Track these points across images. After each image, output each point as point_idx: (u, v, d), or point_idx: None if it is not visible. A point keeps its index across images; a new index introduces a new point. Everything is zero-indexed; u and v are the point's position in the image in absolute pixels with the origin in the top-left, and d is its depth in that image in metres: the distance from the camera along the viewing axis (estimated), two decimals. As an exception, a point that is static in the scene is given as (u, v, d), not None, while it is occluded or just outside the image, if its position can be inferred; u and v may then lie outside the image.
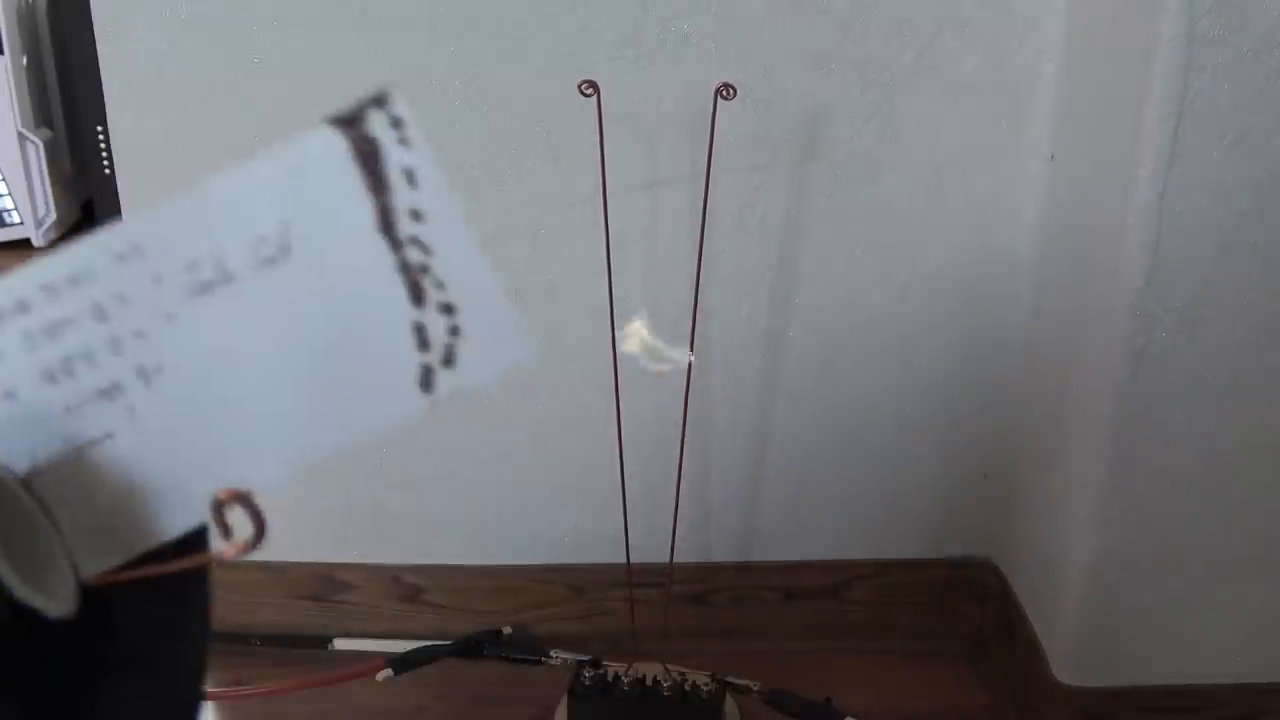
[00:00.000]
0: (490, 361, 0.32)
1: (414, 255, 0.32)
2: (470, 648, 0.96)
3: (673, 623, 0.91)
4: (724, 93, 0.72)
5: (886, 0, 0.81)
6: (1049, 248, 0.86)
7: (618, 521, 0.87)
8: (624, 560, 0.87)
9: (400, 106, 0.32)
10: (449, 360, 0.32)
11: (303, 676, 0.92)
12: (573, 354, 0.91)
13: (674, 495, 0.86)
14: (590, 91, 0.71)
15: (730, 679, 0.89)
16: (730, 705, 0.88)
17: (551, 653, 0.95)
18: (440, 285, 0.32)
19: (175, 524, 0.32)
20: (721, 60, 0.82)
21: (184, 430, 0.32)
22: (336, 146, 0.32)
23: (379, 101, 0.32)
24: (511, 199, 0.86)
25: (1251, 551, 0.82)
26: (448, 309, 0.32)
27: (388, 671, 0.92)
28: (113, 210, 0.86)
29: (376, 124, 0.32)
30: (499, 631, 0.99)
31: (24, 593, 0.28)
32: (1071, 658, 0.85)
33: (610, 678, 0.86)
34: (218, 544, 0.33)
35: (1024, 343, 0.91)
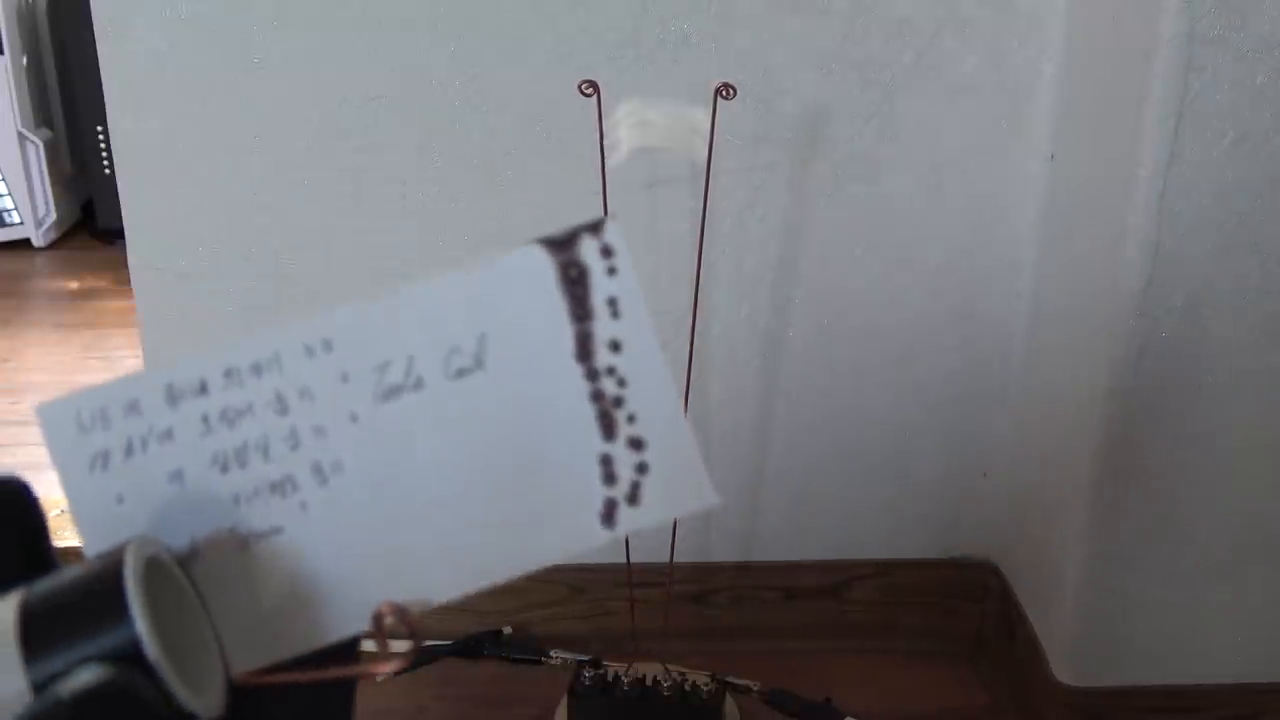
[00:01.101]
0: (672, 504, 0.32)
1: (609, 386, 0.31)
2: (470, 648, 0.96)
3: (673, 623, 0.91)
4: (724, 93, 0.72)
5: (886, 0, 0.81)
6: (1049, 248, 0.86)
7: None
8: (624, 560, 0.87)
9: (613, 235, 0.31)
10: (634, 498, 0.31)
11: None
12: (573, 354, 0.91)
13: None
14: (590, 91, 0.71)
15: (730, 679, 0.89)
16: (730, 705, 0.88)
17: (551, 653, 0.95)
18: (632, 419, 0.31)
19: (335, 629, 0.31)
20: (721, 60, 0.82)
21: (356, 534, 0.31)
22: (544, 267, 0.31)
23: (593, 228, 0.31)
24: (511, 199, 0.86)
25: (1251, 551, 0.82)
26: (637, 444, 0.32)
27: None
28: (113, 210, 0.86)
29: (587, 250, 0.32)
30: (499, 631, 0.99)
31: (183, 694, 0.27)
32: (1071, 658, 0.85)
33: (610, 678, 0.86)
34: (367, 655, 0.31)
35: (1024, 342, 0.91)
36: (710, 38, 0.82)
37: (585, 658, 0.93)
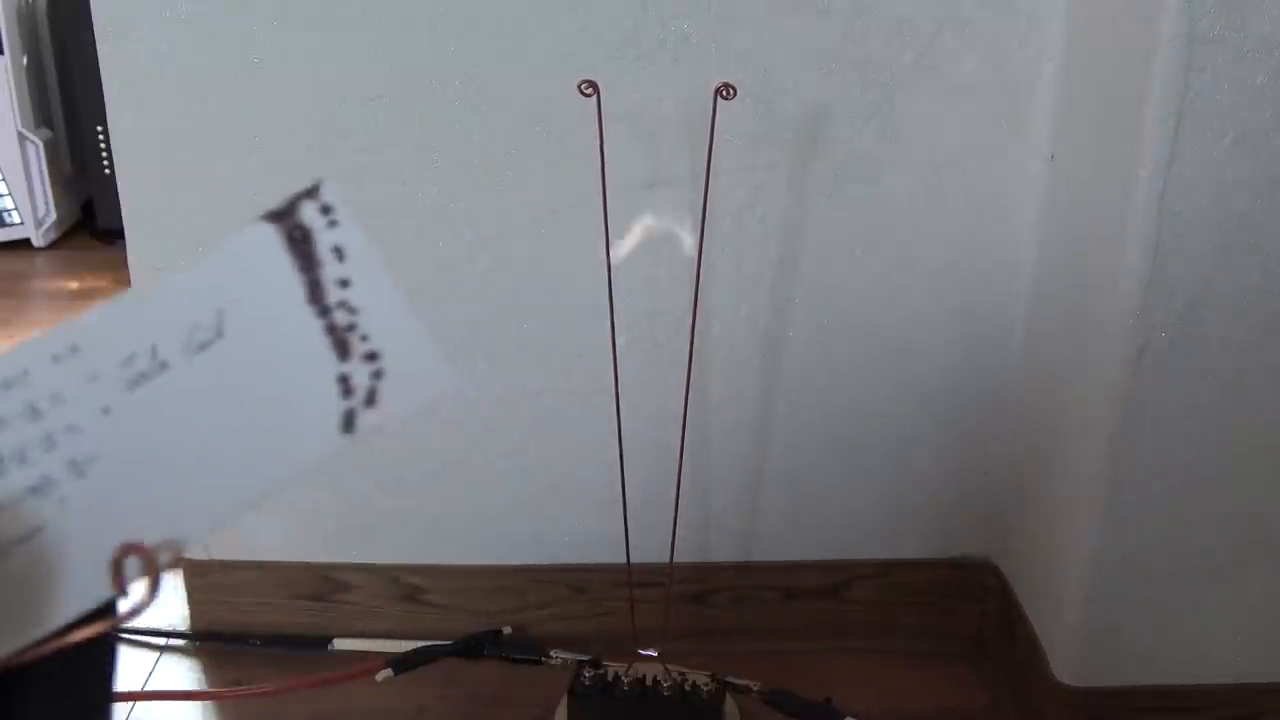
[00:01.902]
0: (410, 397, 0.34)
1: (341, 316, 0.34)
2: (470, 648, 0.96)
3: (673, 623, 0.91)
4: (724, 93, 0.72)
5: (886, 0, 0.81)
6: (1049, 248, 0.86)
7: (618, 521, 0.87)
8: (624, 560, 0.87)
9: (330, 194, 0.34)
10: (371, 400, 0.34)
11: (303, 676, 0.92)
12: (573, 354, 0.91)
13: (674, 495, 0.86)
14: (590, 91, 0.71)
15: (730, 679, 0.89)
16: (730, 705, 0.88)
17: (551, 653, 0.95)
18: (365, 338, 0.34)
19: (82, 596, 0.32)
20: (721, 60, 0.82)
21: (114, 513, 0.32)
22: (269, 236, 0.34)
23: (310, 193, 0.34)
24: (511, 199, 0.86)
25: (1251, 552, 0.82)
26: (371, 356, 0.34)
27: (388, 671, 0.92)
28: (113, 210, 0.86)
29: (307, 212, 0.34)
30: (499, 631, 0.99)
31: None
32: (1071, 658, 0.85)
33: (610, 678, 0.86)
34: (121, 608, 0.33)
35: (1024, 342, 0.91)
36: (710, 38, 0.82)
37: (585, 658, 0.93)
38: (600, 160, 0.74)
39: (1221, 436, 0.78)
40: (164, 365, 0.33)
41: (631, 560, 0.87)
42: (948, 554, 1.00)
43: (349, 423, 0.34)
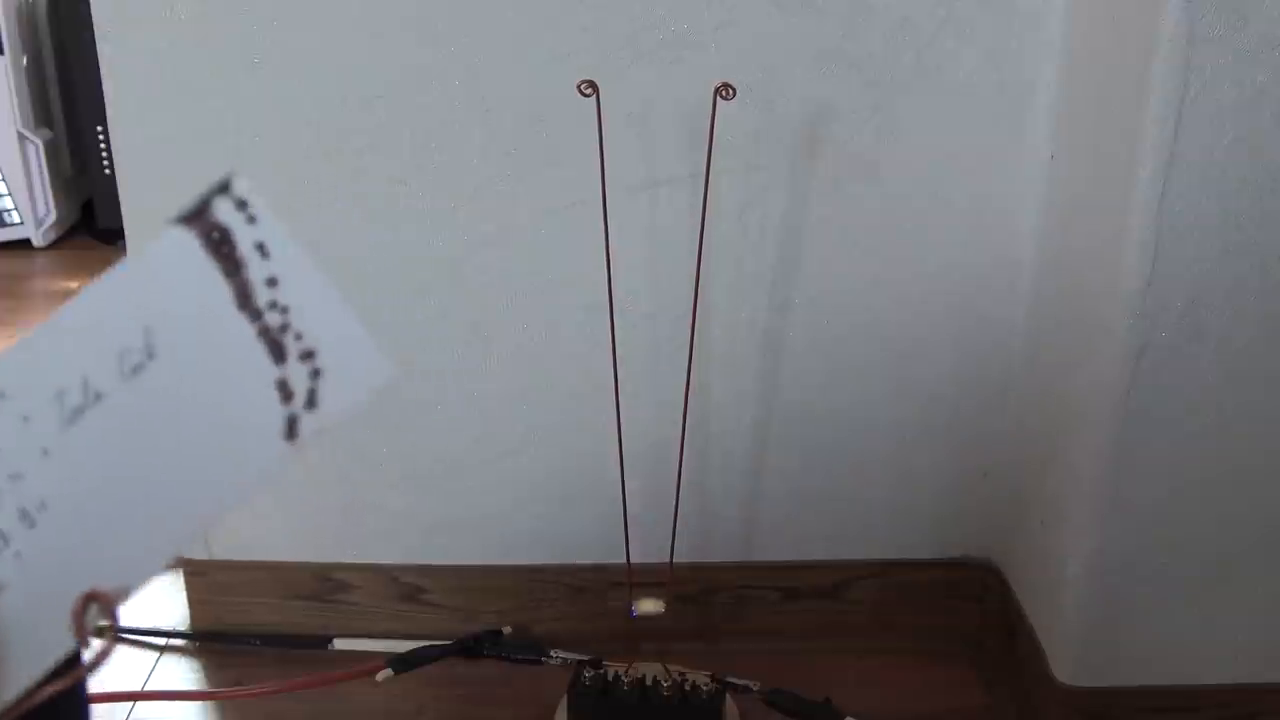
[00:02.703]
0: (350, 391, 0.33)
1: (274, 318, 0.33)
2: (470, 648, 0.96)
3: (673, 623, 0.91)
4: (724, 93, 0.72)
5: (886, 0, 0.81)
6: (1048, 248, 0.86)
7: (618, 521, 0.87)
8: (624, 560, 0.87)
9: (242, 187, 0.33)
10: (311, 402, 0.32)
11: (303, 676, 0.92)
12: (573, 354, 0.91)
13: (674, 495, 0.86)
14: (590, 91, 0.71)
15: (730, 679, 0.89)
16: (730, 705, 0.88)
17: (551, 653, 0.95)
18: (299, 336, 0.33)
19: (50, 653, 0.31)
20: (721, 60, 0.82)
21: (70, 560, 0.31)
22: (187, 241, 0.32)
23: (222, 188, 0.33)
24: (511, 199, 0.86)
25: (1251, 552, 0.82)
26: (307, 355, 0.33)
27: (388, 671, 0.92)
28: (113, 210, 0.86)
29: (223, 210, 0.32)
30: (499, 631, 0.99)
31: None
32: (1071, 658, 0.85)
33: (610, 678, 0.86)
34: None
35: (1024, 342, 0.91)
36: (710, 38, 0.82)
37: (585, 658, 0.93)
38: (600, 160, 0.74)
39: (1221, 436, 0.78)
40: (98, 396, 0.31)
41: (631, 560, 0.87)
42: (948, 554, 1.00)
43: (292, 430, 0.32)
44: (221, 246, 0.32)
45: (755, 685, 0.89)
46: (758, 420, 0.95)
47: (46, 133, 2.30)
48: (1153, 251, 0.72)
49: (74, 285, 2.11)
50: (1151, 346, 0.75)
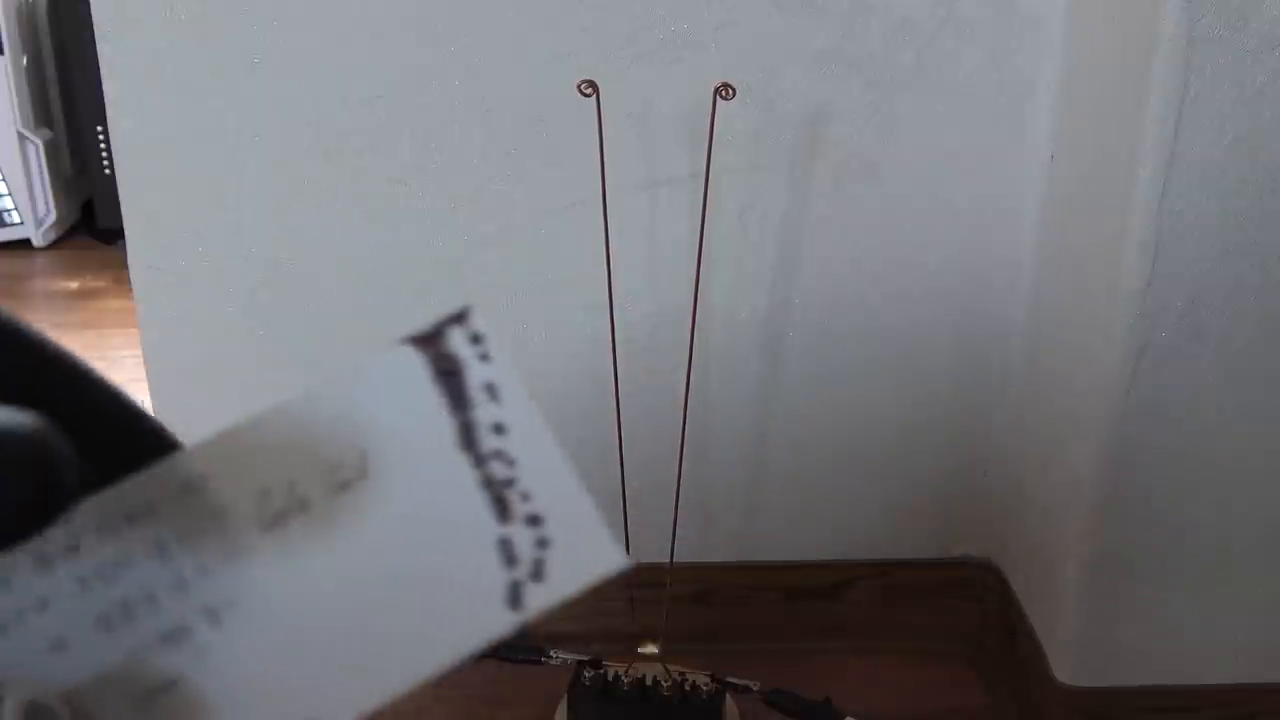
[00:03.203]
0: (579, 573, 0.31)
1: (498, 469, 0.30)
2: (470, 648, 0.96)
3: (673, 623, 0.91)
4: (724, 93, 0.72)
5: (886, 0, 0.81)
6: (1049, 248, 0.86)
7: (618, 521, 0.87)
8: (624, 560, 0.87)
9: (479, 322, 0.30)
10: (538, 575, 0.30)
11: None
12: (573, 354, 0.91)
13: (674, 495, 0.86)
14: (590, 91, 0.71)
15: (730, 679, 0.89)
16: (730, 705, 0.88)
17: (551, 653, 0.95)
18: (526, 497, 0.31)
19: None
20: (722, 60, 0.82)
21: (255, 671, 0.30)
22: (415, 366, 0.31)
23: (458, 319, 0.31)
24: (511, 199, 0.86)
25: (1251, 552, 0.82)
26: (534, 520, 0.30)
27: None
28: (113, 210, 0.86)
29: (456, 341, 0.31)
30: (499, 631, 0.99)
31: None
32: (1071, 658, 0.85)
33: (610, 678, 0.86)
34: None
35: (1024, 342, 0.91)
36: (710, 38, 0.82)
37: (585, 658, 0.93)
38: (600, 160, 0.74)
39: (1221, 436, 0.78)
40: (304, 504, 0.30)
41: (632, 560, 0.87)
42: (948, 554, 1.00)
43: (515, 598, 0.30)
44: (450, 379, 0.30)
45: (755, 685, 0.89)
46: (758, 420, 0.95)
47: (46, 133, 2.31)
48: (1153, 251, 0.72)
49: (74, 285, 2.11)
50: (1151, 346, 0.75)
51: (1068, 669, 0.85)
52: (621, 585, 0.93)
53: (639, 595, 0.90)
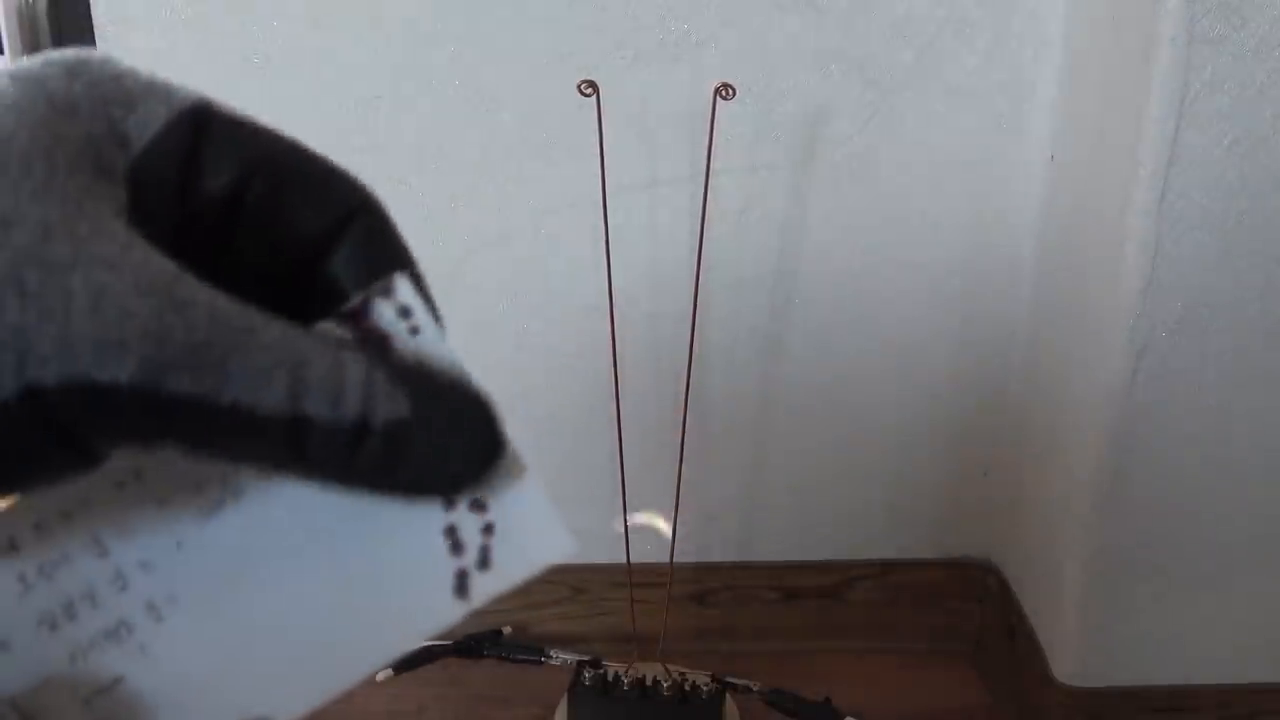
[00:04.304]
0: (526, 559, 0.30)
1: None
2: (470, 648, 0.96)
3: (673, 623, 0.91)
4: (724, 93, 0.72)
5: (886, 0, 0.81)
6: (1049, 248, 0.86)
7: (618, 521, 0.87)
8: (624, 560, 0.87)
9: (406, 293, 0.30)
10: (484, 562, 0.29)
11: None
12: (573, 354, 0.91)
13: (674, 495, 0.86)
14: (590, 91, 0.71)
15: (730, 679, 0.89)
16: (730, 705, 0.88)
17: (551, 653, 0.95)
18: None
19: None
20: (722, 60, 0.82)
21: (203, 666, 0.29)
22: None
23: (385, 291, 0.30)
24: (511, 199, 0.86)
25: (1250, 552, 0.82)
26: (479, 506, 0.30)
27: (388, 671, 0.92)
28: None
29: (384, 314, 0.30)
30: (499, 631, 0.99)
31: None
32: (1071, 658, 0.85)
33: (610, 678, 0.86)
34: None
35: (1024, 342, 0.91)
36: (710, 38, 0.82)
37: (585, 658, 0.93)
38: (600, 160, 0.74)
39: (1221, 436, 0.78)
40: (238, 493, 0.29)
41: (631, 560, 0.87)
42: (948, 554, 1.00)
43: (462, 587, 0.29)
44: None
45: (755, 685, 0.89)
46: (757, 420, 0.95)
47: (46, 133, 2.30)
48: (1153, 251, 0.72)
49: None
50: (1151, 346, 0.75)
51: (1068, 669, 0.85)
52: (621, 585, 0.93)
53: (639, 595, 0.90)
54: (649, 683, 0.85)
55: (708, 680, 0.87)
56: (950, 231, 0.88)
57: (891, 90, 0.84)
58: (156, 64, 0.90)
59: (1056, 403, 0.86)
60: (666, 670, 0.87)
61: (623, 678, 0.86)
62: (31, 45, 2.24)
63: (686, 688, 0.85)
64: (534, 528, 0.30)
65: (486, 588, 0.29)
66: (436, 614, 0.29)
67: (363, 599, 0.29)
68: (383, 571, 0.29)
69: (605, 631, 1.00)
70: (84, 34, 0.87)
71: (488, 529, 0.29)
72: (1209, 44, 0.67)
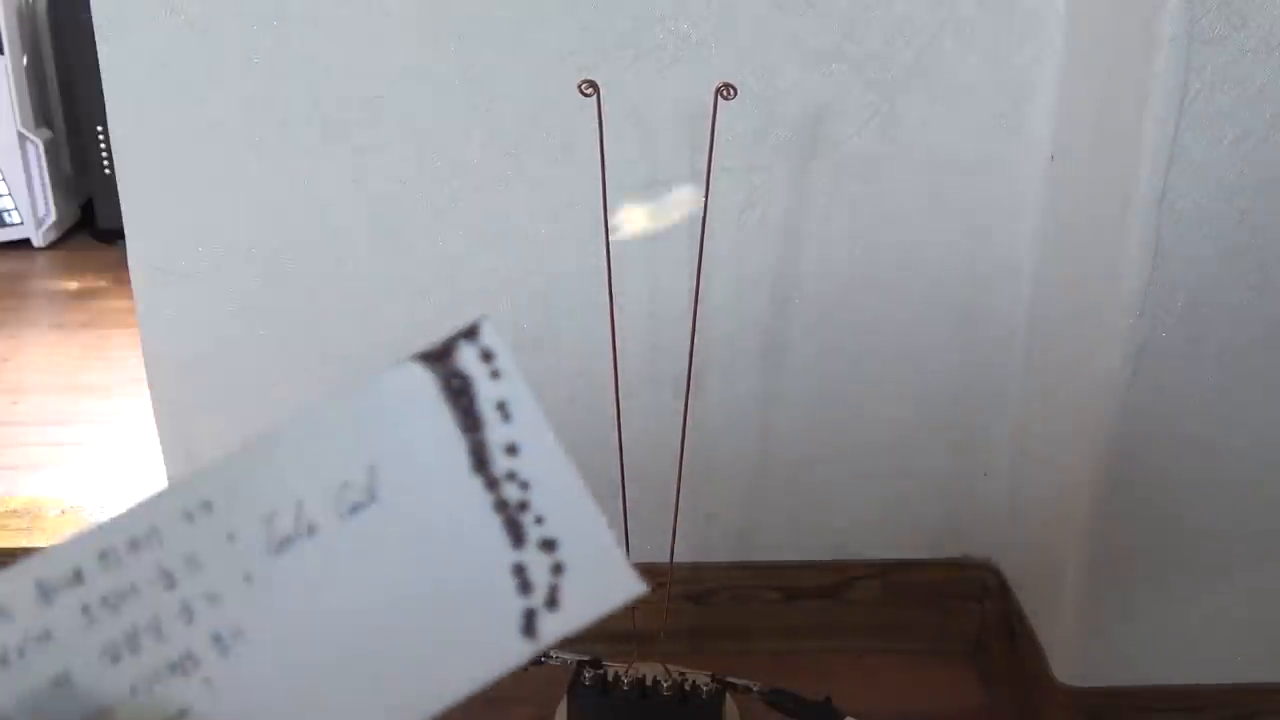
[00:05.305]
0: (594, 601, 0.30)
1: (511, 492, 0.30)
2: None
3: (672, 623, 0.91)
4: (724, 93, 0.72)
5: (886, 0, 0.81)
6: (1049, 248, 0.86)
7: (618, 521, 0.87)
8: (624, 560, 0.87)
9: (490, 337, 0.30)
10: (553, 602, 0.30)
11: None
12: (573, 354, 0.91)
13: (674, 495, 0.86)
14: (590, 91, 0.71)
15: (730, 679, 0.89)
16: (730, 705, 0.88)
17: (551, 653, 0.95)
18: (540, 521, 0.30)
19: None
20: (721, 60, 0.82)
21: (267, 701, 0.28)
22: (425, 384, 0.29)
23: (469, 334, 0.30)
24: (511, 199, 0.86)
25: (1251, 551, 0.82)
26: (549, 545, 0.30)
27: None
28: (113, 210, 0.86)
29: (467, 358, 0.30)
30: (499, 631, 0.99)
31: None
32: (1071, 658, 0.85)
33: (610, 678, 0.86)
34: None
35: (1024, 342, 0.91)
36: (710, 38, 0.82)
37: (585, 658, 0.92)
38: (600, 160, 0.74)
39: (1221, 436, 0.78)
40: (312, 529, 0.29)
41: (631, 560, 0.87)
42: (948, 554, 1.00)
43: (530, 626, 0.29)
44: (461, 397, 0.29)
45: (755, 685, 0.89)
46: (758, 420, 0.95)
47: (46, 133, 2.31)
48: (1153, 251, 0.72)
49: (74, 285, 2.11)
50: (1151, 346, 0.75)
51: (1068, 669, 0.85)
52: (621, 585, 0.93)
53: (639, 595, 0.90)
54: (649, 683, 0.85)
55: (708, 680, 0.87)
56: (950, 231, 0.88)
57: (891, 90, 0.84)
58: (156, 64, 0.90)
59: (1056, 403, 0.86)
60: (666, 670, 0.87)
61: (623, 678, 0.86)
62: (32, 45, 2.25)
63: (686, 688, 0.85)
64: (602, 567, 0.30)
65: (555, 628, 0.29)
66: (504, 653, 0.29)
67: (430, 637, 0.29)
68: (451, 610, 0.29)
69: (605, 631, 0.99)
70: (84, 34, 0.87)
71: (557, 569, 0.30)
72: (1209, 44, 0.67)
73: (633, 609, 0.90)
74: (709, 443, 0.95)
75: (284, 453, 0.29)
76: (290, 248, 0.88)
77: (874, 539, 0.99)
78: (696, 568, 0.99)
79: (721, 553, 1.00)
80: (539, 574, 0.29)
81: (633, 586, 0.30)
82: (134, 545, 0.28)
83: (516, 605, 0.29)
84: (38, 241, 2.27)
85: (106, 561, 0.28)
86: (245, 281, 0.89)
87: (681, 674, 0.87)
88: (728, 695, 0.88)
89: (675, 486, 0.85)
